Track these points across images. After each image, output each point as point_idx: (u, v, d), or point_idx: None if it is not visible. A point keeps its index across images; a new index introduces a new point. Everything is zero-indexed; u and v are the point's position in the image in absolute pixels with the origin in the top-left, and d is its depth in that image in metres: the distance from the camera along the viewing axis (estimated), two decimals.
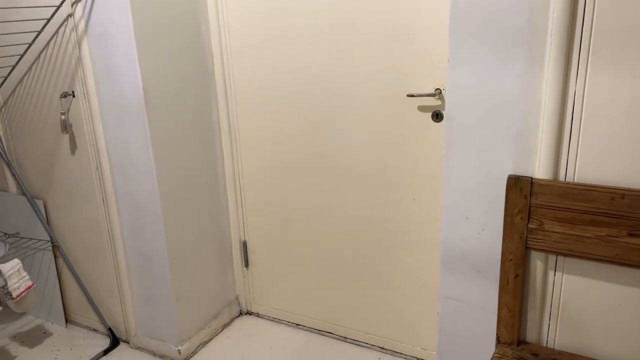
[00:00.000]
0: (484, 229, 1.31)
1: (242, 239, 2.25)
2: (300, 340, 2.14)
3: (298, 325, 2.23)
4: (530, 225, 1.21)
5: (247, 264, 2.28)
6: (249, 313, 2.35)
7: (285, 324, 2.25)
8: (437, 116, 1.66)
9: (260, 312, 2.32)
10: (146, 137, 1.78)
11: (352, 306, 2.06)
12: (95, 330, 2.27)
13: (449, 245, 1.38)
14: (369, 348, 2.07)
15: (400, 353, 2.01)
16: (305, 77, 1.86)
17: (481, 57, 1.21)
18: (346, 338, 2.12)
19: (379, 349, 2.05)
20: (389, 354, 2.02)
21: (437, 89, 1.63)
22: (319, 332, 2.18)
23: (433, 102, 1.66)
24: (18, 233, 2.24)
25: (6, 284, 1.94)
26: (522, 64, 1.17)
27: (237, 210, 2.20)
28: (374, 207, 1.87)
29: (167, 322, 2.02)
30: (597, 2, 1.08)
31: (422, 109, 1.68)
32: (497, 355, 1.29)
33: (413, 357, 1.98)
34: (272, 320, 2.28)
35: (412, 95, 1.66)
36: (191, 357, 2.07)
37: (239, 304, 2.34)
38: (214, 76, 2.03)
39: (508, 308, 1.28)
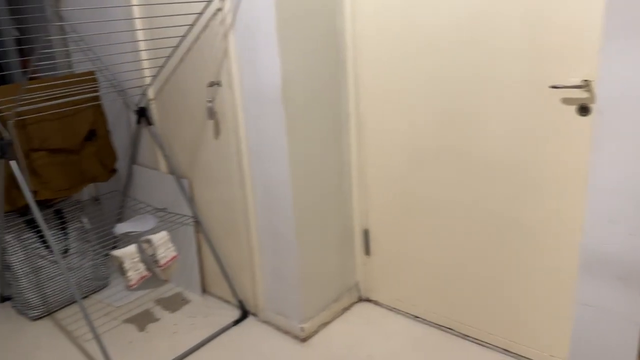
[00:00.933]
0: (634, 234, 1.21)
1: (364, 227, 2.29)
2: (418, 332, 2.14)
3: (417, 317, 2.22)
4: None
5: (368, 252, 2.32)
6: (368, 300, 2.39)
7: (403, 315, 2.26)
8: (584, 109, 1.55)
9: (379, 300, 2.35)
10: (281, 125, 1.88)
11: (475, 304, 2.01)
12: (227, 301, 2.46)
13: (590, 249, 1.30)
14: (491, 349, 2.00)
15: (526, 357, 1.92)
16: (438, 68, 1.83)
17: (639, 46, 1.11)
18: (467, 336, 2.07)
19: (502, 350, 1.98)
20: (513, 357, 1.95)
21: (584, 81, 1.52)
22: (439, 327, 2.15)
23: (580, 94, 1.55)
24: (166, 208, 2.49)
25: (155, 253, 2.17)
26: None
27: (361, 198, 2.25)
28: (507, 203, 1.80)
29: (292, 300, 2.13)
30: None
31: (566, 101, 1.58)
32: None
33: None
34: (391, 310, 2.30)
35: (555, 87, 1.57)
36: (312, 336, 2.16)
37: (359, 290, 2.40)
38: (346, 68, 2.08)
39: None
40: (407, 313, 2.26)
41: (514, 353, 1.95)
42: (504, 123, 1.72)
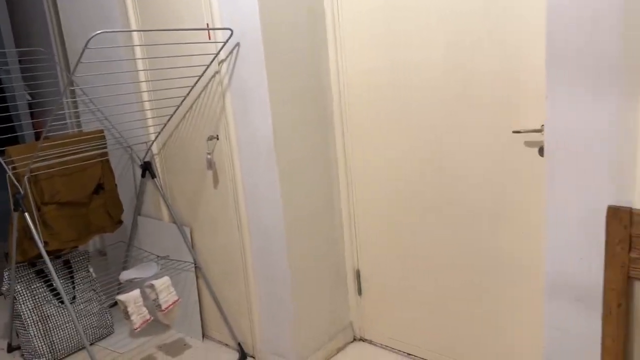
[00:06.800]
0: (585, 259, 1.35)
1: (356, 268, 2.41)
2: None
3: (410, 354, 2.31)
4: (632, 255, 1.24)
5: (360, 292, 2.43)
6: (362, 339, 2.48)
7: (397, 353, 2.35)
8: (543, 151, 1.72)
9: (373, 340, 2.44)
10: (274, 173, 2.05)
11: (464, 337, 2.11)
12: (226, 345, 2.54)
13: (552, 275, 1.43)
14: None
15: None
16: (419, 119, 2.02)
17: (577, 92, 1.29)
18: None
19: None
20: None
21: (543, 125, 1.70)
22: None
23: (539, 137, 1.72)
24: (168, 256, 2.63)
25: (158, 297, 2.29)
26: (618, 97, 1.23)
27: (352, 240, 2.38)
28: (486, 241, 1.94)
29: (287, 341, 2.23)
30: None
31: (528, 144, 1.75)
32: None
33: None
34: (385, 348, 2.39)
35: (517, 132, 1.74)
36: None
37: (353, 330, 2.49)
38: (333, 119, 2.27)
39: (612, 338, 1.29)
40: (401, 351, 2.34)
41: None
42: (477, 167, 1.89)
